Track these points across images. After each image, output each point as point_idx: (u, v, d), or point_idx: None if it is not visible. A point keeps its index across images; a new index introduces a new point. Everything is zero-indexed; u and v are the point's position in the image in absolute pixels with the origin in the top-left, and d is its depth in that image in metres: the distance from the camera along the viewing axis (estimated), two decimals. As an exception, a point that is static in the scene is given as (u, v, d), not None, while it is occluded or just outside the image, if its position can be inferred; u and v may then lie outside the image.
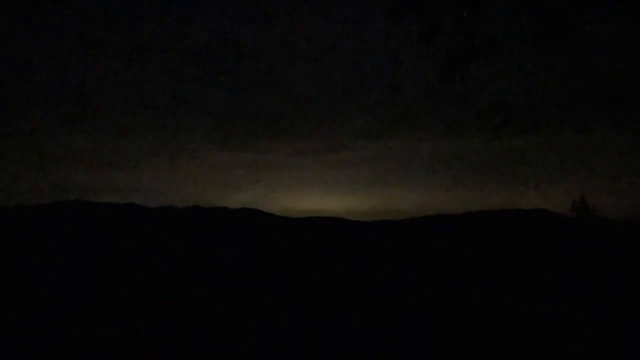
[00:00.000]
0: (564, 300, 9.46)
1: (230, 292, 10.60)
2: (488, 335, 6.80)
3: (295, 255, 21.83)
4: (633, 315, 7.92)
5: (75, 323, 7.52)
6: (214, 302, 9.41)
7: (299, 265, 17.26)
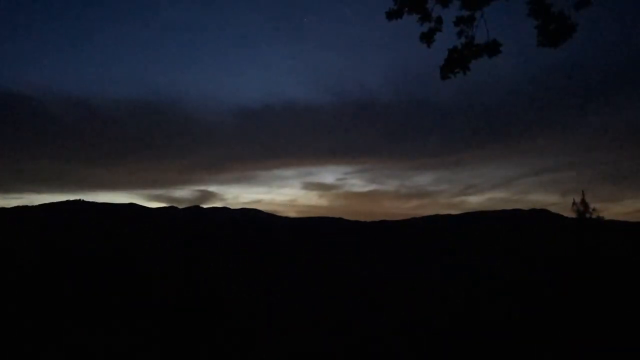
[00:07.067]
0: (563, 299, 9.47)
1: (230, 292, 10.61)
2: (488, 335, 6.81)
3: (295, 255, 21.84)
4: (633, 315, 7.92)
5: (75, 322, 7.52)
6: (213, 301, 9.42)
7: (298, 264, 17.26)
